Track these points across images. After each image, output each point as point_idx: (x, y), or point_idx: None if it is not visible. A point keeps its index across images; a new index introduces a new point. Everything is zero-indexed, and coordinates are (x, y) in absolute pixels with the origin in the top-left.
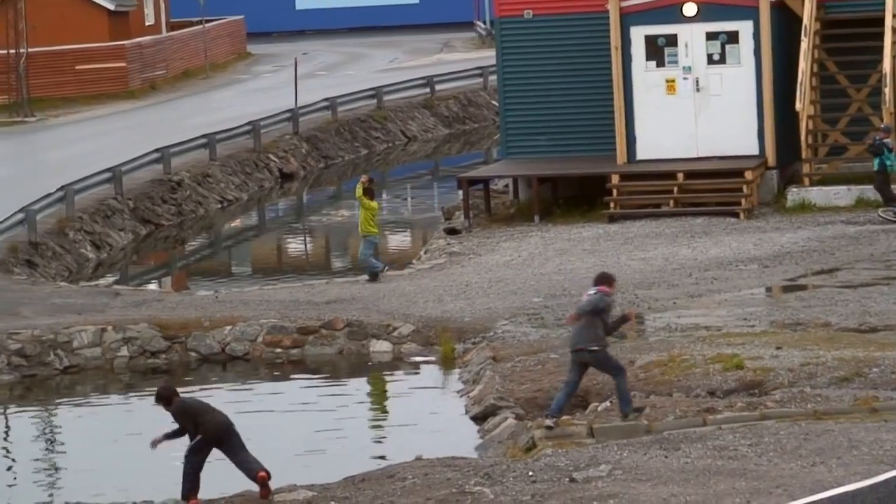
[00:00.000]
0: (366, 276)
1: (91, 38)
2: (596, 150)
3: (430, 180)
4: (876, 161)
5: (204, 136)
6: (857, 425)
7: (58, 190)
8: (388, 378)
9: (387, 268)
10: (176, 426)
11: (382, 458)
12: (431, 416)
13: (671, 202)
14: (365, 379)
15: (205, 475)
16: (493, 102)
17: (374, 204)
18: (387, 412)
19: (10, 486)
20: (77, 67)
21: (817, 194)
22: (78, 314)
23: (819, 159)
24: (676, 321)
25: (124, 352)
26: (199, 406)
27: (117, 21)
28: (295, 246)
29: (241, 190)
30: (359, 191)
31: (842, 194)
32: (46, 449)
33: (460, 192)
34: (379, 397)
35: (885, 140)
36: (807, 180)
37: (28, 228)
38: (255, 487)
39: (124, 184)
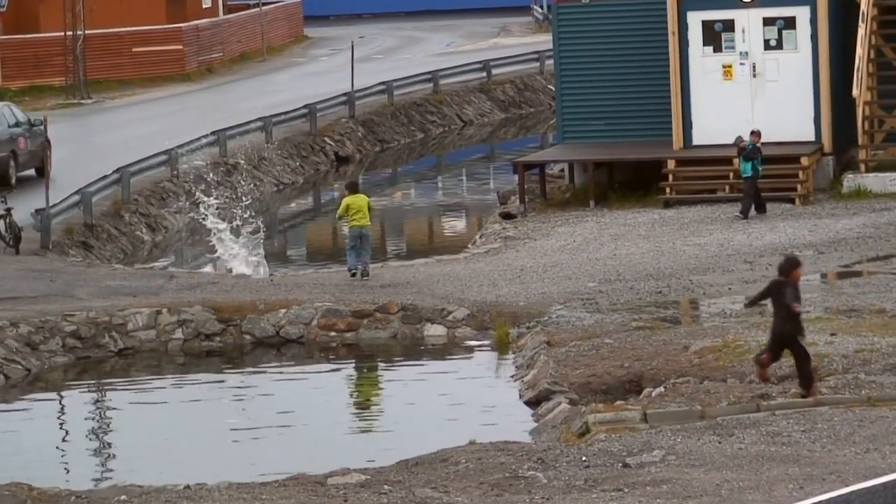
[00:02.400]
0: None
1: (148, 21)
2: (652, 135)
3: (486, 164)
4: (748, 165)
5: (260, 119)
6: None
7: (113, 172)
8: (442, 362)
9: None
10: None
11: (436, 441)
12: (485, 400)
13: (727, 188)
14: (420, 362)
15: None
16: (550, 87)
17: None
18: (441, 396)
19: (65, 468)
20: (134, 50)
21: (873, 181)
22: (133, 296)
23: (875, 145)
24: (731, 307)
25: (179, 334)
26: None
27: (174, 3)
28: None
29: (296, 173)
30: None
31: None
32: (100, 431)
33: (516, 177)
34: (433, 381)
35: (758, 144)
36: (863, 166)
37: (84, 210)
38: (308, 469)
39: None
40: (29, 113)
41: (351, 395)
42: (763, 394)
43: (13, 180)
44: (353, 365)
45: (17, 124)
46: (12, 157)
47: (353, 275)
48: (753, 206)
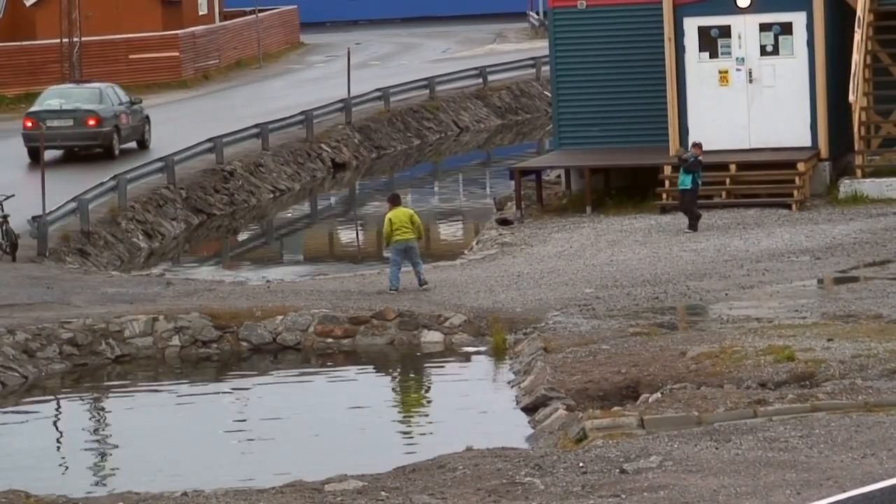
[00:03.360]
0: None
1: (144, 28)
2: (648, 141)
3: (483, 171)
4: (688, 178)
5: (256, 125)
6: None
7: (110, 179)
8: (439, 368)
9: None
10: None
11: (432, 448)
12: (482, 406)
13: (723, 193)
14: (416, 369)
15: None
16: (546, 93)
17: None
18: (437, 402)
19: (62, 475)
20: (130, 57)
21: (870, 186)
22: (129, 303)
23: (872, 151)
24: (728, 312)
25: (176, 341)
26: None
27: (170, 10)
28: (346, 236)
29: (293, 180)
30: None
31: (894, 186)
32: (97, 438)
33: (512, 183)
34: (430, 388)
35: (699, 157)
36: (859, 172)
37: (80, 217)
38: (305, 476)
39: (176, 173)
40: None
41: (348, 401)
42: (760, 399)
43: (117, 151)
44: (350, 372)
45: (121, 103)
46: (116, 132)
47: (395, 290)
48: (688, 221)
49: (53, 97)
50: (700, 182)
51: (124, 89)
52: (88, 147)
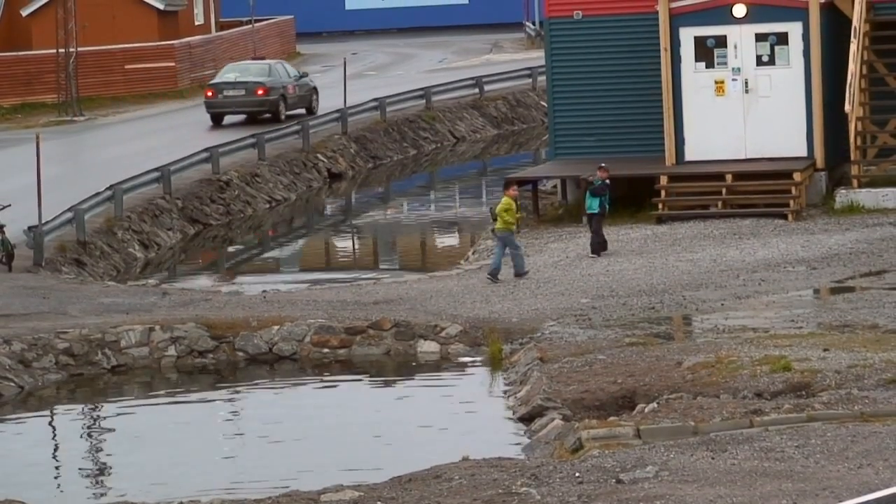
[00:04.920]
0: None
1: (140, 38)
2: (644, 151)
3: (479, 181)
4: (595, 202)
5: (253, 135)
6: None
7: (106, 189)
8: (435, 378)
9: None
10: None
11: (429, 458)
12: (478, 416)
13: (719, 203)
14: (412, 379)
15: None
16: (542, 103)
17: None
18: (434, 413)
19: (57, 485)
20: (126, 67)
21: (866, 196)
22: (125, 313)
23: (868, 161)
24: (724, 322)
25: (172, 351)
26: None
27: (167, 20)
28: (343, 246)
29: (289, 190)
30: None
31: (890, 196)
32: (93, 448)
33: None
34: (426, 398)
35: (605, 181)
36: (855, 182)
37: (76, 227)
38: (301, 486)
39: (173, 183)
40: (296, 68)
41: (343, 412)
42: (756, 409)
43: (283, 116)
44: (346, 382)
45: (289, 76)
46: (282, 100)
47: (524, 274)
48: (591, 246)
49: (231, 71)
50: (608, 206)
51: (289, 65)
52: (258, 112)
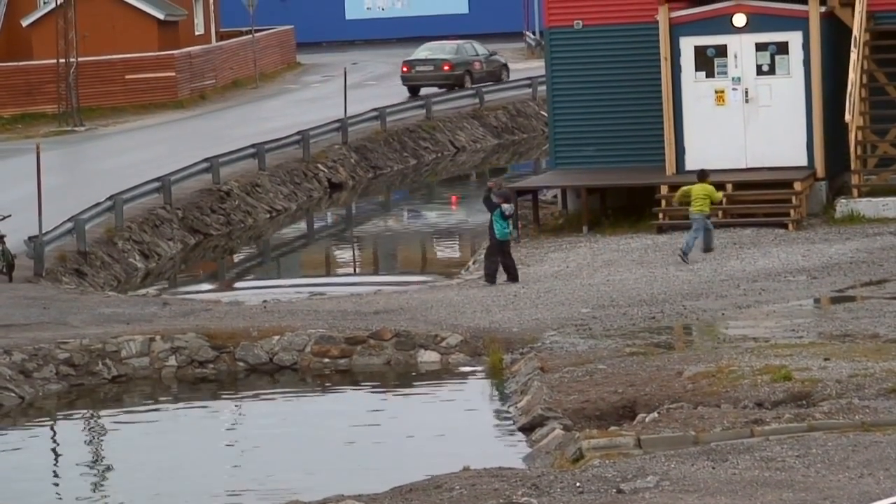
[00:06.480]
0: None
1: (141, 48)
2: (645, 160)
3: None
4: (504, 225)
5: (253, 145)
6: None
7: (107, 199)
8: (435, 388)
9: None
10: None
11: (429, 468)
12: (479, 426)
13: (720, 213)
14: (412, 389)
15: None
16: (542, 113)
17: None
18: (434, 422)
19: (57, 494)
20: (126, 77)
21: (866, 205)
22: (126, 324)
23: (868, 171)
24: (724, 332)
25: (172, 361)
26: None
27: (167, 30)
28: (343, 256)
29: (289, 200)
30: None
31: (891, 206)
32: (93, 458)
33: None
34: (426, 407)
35: (503, 206)
36: (855, 191)
37: (77, 238)
38: (302, 496)
39: (173, 193)
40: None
41: (344, 422)
42: (757, 419)
43: (467, 86)
44: (347, 392)
45: (476, 55)
46: (468, 74)
47: (710, 249)
48: (487, 273)
49: (424, 50)
50: (508, 231)
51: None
52: (445, 85)
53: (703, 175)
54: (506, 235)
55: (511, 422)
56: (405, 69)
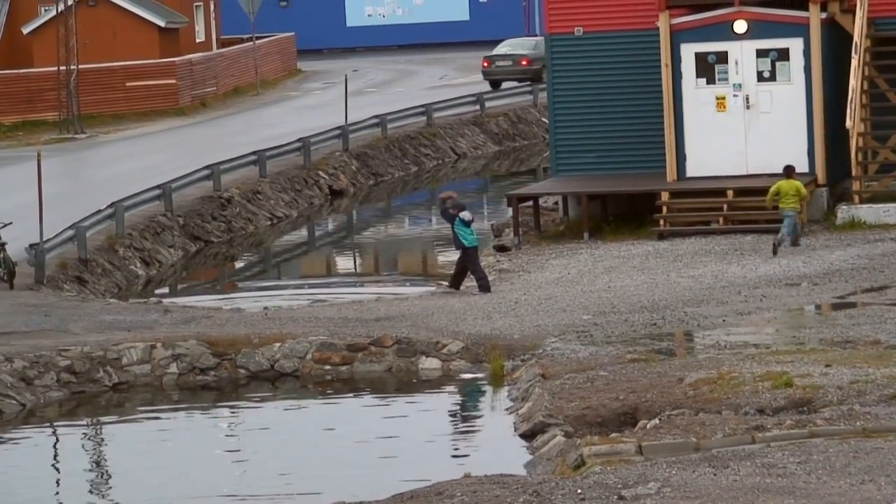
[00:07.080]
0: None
1: (141, 55)
2: (646, 167)
3: (480, 197)
4: (470, 231)
5: (254, 153)
6: None
7: (107, 207)
8: (436, 395)
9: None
10: None
11: (430, 474)
12: (480, 433)
13: (721, 220)
14: (414, 396)
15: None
16: (543, 119)
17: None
18: (435, 429)
19: (58, 502)
20: (127, 84)
21: (867, 212)
22: (127, 331)
23: (869, 177)
24: (726, 339)
25: (173, 368)
26: None
27: (168, 38)
28: (344, 263)
29: (290, 207)
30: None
31: (892, 212)
32: (95, 465)
33: (510, 210)
34: (427, 414)
35: (461, 214)
36: (857, 198)
37: (78, 245)
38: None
39: (174, 200)
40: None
41: (345, 429)
42: (758, 425)
43: (544, 80)
44: (348, 399)
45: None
46: (545, 69)
47: (797, 244)
48: (454, 281)
49: (504, 46)
50: (473, 237)
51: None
52: (522, 79)
53: (789, 171)
54: (476, 241)
55: (512, 428)
56: (486, 64)
